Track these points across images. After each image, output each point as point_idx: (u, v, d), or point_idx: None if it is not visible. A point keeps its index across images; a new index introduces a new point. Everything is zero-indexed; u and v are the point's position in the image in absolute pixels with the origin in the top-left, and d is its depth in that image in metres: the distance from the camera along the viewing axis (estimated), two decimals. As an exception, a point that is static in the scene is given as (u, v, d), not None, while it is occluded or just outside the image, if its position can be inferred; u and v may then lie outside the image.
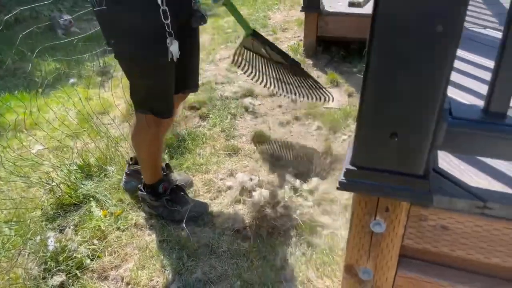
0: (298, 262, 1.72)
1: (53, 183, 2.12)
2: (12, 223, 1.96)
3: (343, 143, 2.51)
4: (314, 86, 2.38)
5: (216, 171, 2.30)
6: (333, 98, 2.44)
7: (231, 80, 3.38)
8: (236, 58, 2.32)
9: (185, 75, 1.86)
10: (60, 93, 3.23)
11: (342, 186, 0.87)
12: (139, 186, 2.04)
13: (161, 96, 1.74)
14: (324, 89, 2.39)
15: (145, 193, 1.99)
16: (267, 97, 3.10)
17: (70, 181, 2.17)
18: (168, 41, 1.55)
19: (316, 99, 2.43)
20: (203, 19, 1.70)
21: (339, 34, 3.49)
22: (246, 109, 2.95)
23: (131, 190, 2.14)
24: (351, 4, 3.45)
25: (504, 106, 0.77)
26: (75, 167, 2.28)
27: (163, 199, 1.96)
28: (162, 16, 1.51)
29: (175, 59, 1.60)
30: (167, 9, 1.50)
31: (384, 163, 0.84)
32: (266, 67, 2.38)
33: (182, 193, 2.01)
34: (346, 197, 1.99)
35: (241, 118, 2.86)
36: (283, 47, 3.96)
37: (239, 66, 2.38)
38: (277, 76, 2.41)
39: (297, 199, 2.03)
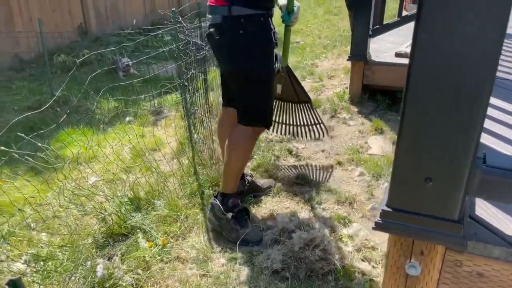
0: (335, 307, 1.71)
1: (106, 213, 2.26)
2: (66, 248, 2.10)
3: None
4: (314, 123, 2.64)
5: (257, 210, 2.36)
6: (327, 133, 2.76)
7: (276, 124, 3.48)
8: None
9: None
10: (117, 130, 3.47)
11: (378, 227, 0.91)
12: (213, 193, 2.29)
13: (269, 108, 2.06)
14: (322, 125, 2.65)
15: (217, 201, 2.16)
16: (311, 141, 3.17)
17: (121, 212, 2.30)
18: (275, 55, 1.90)
19: (312, 136, 2.71)
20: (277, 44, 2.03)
21: (385, 83, 3.55)
22: (290, 151, 3.02)
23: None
24: (398, 55, 3.52)
25: (538, 157, 0.80)
26: (126, 199, 2.42)
27: (229, 214, 2.12)
28: (273, 37, 1.85)
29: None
30: (276, 31, 1.86)
31: (419, 206, 0.87)
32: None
33: (246, 216, 2.16)
34: (387, 244, 1.98)
35: (284, 160, 2.93)
36: (329, 94, 4.06)
37: None
38: (279, 118, 2.72)
39: (337, 244, 2.04)
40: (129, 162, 2.84)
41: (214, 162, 2.72)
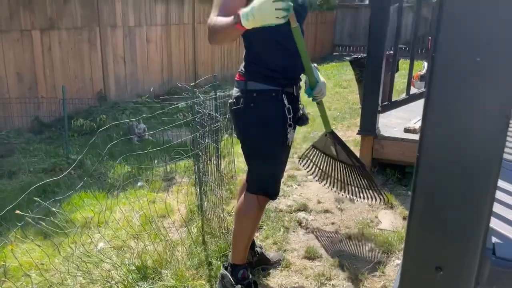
0: None
1: (112, 281, 2.23)
2: (69, 317, 2.06)
3: (397, 268, 2.46)
4: (370, 187, 2.52)
5: (265, 285, 2.31)
6: (385, 199, 2.61)
7: (286, 194, 3.50)
8: (304, 157, 2.58)
9: None
10: (129, 195, 3.51)
11: (389, 314, 0.91)
12: (223, 263, 2.28)
13: (276, 179, 2.10)
14: (380, 191, 2.53)
15: (227, 272, 2.15)
16: (321, 213, 3.17)
17: (128, 281, 2.27)
18: (288, 130, 1.97)
19: (370, 199, 2.54)
20: (307, 120, 2.10)
21: (394, 158, 3.60)
22: (300, 223, 3.01)
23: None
24: (407, 130, 3.60)
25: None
26: (133, 268, 2.40)
27: (238, 287, 2.11)
28: (287, 112, 1.95)
29: (289, 144, 2.04)
30: (290, 107, 1.96)
31: (431, 295, 0.87)
32: (331, 167, 2.55)
33: None
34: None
35: (293, 232, 2.92)
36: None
37: (305, 166, 2.61)
38: (338, 176, 2.57)
39: (347, 324, 1.98)
40: (138, 228, 2.85)
41: (224, 232, 2.71)
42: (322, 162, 2.56)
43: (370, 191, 2.50)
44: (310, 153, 2.55)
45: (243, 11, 1.56)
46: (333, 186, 2.60)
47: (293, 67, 2.01)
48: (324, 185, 2.65)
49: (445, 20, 0.86)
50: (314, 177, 2.66)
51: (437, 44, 0.86)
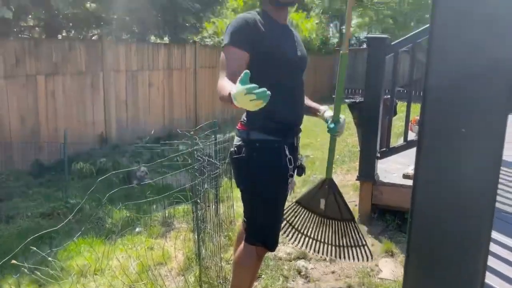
0: None
1: (106, 335, 2.17)
2: None
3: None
4: (355, 244, 2.42)
5: None
6: (372, 257, 2.47)
7: (285, 240, 3.46)
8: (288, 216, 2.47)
9: None
10: (126, 241, 3.47)
11: None
12: None
13: (275, 230, 2.08)
14: (365, 248, 2.42)
15: None
16: (321, 261, 3.12)
17: (122, 334, 2.21)
18: (289, 181, 2.00)
19: (354, 259, 2.44)
20: (304, 171, 2.14)
21: (393, 204, 3.58)
22: (299, 272, 2.96)
23: None
24: (405, 176, 3.61)
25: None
26: (128, 320, 2.34)
27: None
28: (288, 163, 1.97)
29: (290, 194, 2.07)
30: (291, 157, 1.99)
31: None
32: (311, 227, 2.48)
33: None
34: None
35: (293, 281, 2.86)
36: (339, 210, 4.08)
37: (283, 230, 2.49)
38: (319, 236, 2.48)
39: None
40: (134, 277, 2.80)
41: (222, 281, 2.67)
42: (302, 222, 2.49)
43: (355, 249, 2.42)
44: (290, 211, 2.48)
45: (232, 92, 1.50)
46: (310, 249, 2.52)
47: (294, 118, 2.05)
48: (301, 247, 2.56)
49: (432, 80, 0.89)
50: (289, 240, 2.58)
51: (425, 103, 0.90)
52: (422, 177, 1.03)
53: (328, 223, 2.44)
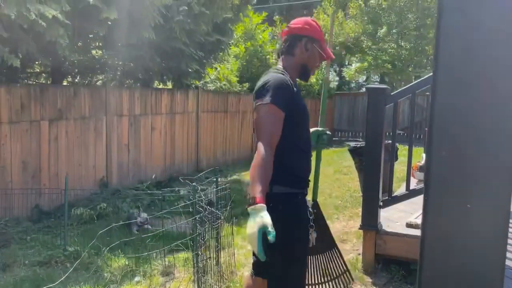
0: None
1: None
2: None
3: None
4: (336, 275, 2.48)
5: None
6: (352, 281, 2.58)
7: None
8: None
9: None
10: (124, 292, 3.38)
11: None
12: None
13: (303, 284, 2.10)
14: (347, 273, 2.50)
15: None
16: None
17: None
18: (310, 231, 2.07)
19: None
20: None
21: (398, 254, 3.52)
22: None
23: None
24: (409, 225, 3.57)
25: None
26: None
27: None
28: (308, 214, 2.07)
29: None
30: (310, 208, 2.14)
31: None
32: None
33: None
34: None
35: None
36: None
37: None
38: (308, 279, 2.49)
39: None
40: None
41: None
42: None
43: (334, 281, 2.48)
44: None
45: (250, 212, 1.76)
46: None
47: (309, 171, 2.14)
48: None
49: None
50: None
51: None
52: (430, 234, 1.02)
53: (313, 259, 2.48)
